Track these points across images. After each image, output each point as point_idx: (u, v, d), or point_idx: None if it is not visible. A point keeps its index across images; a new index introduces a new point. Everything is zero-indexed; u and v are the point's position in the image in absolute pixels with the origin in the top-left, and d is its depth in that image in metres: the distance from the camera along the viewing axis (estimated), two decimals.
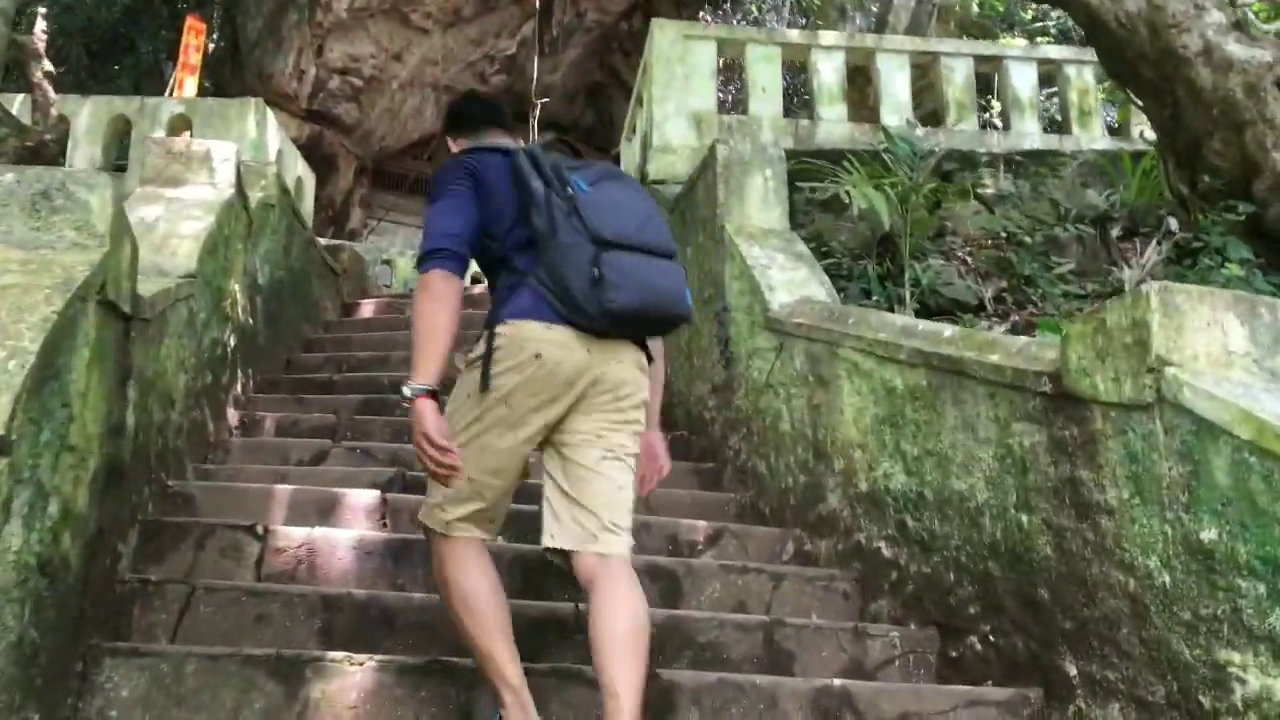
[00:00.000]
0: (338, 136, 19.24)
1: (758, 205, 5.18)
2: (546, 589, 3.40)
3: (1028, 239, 5.48)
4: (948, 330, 3.46)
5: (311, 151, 19.15)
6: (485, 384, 2.45)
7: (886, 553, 3.52)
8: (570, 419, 2.52)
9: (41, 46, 7.43)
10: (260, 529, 3.54)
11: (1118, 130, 7.86)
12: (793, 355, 4.27)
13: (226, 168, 5.09)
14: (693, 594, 3.61)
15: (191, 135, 7.46)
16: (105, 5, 17.46)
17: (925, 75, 7.47)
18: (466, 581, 2.48)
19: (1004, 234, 5.81)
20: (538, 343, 2.44)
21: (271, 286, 6.38)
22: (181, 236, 4.49)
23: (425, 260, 2.50)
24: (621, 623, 2.36)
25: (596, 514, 2.48)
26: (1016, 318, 4.84)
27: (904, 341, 3.51)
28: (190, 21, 15.03)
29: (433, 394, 2.38)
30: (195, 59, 15.00)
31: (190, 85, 14.72)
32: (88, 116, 7.43)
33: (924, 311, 5.05)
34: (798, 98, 15.24)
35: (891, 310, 4.89)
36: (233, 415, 5.15)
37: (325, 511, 3.94)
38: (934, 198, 5.58)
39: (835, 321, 4.05)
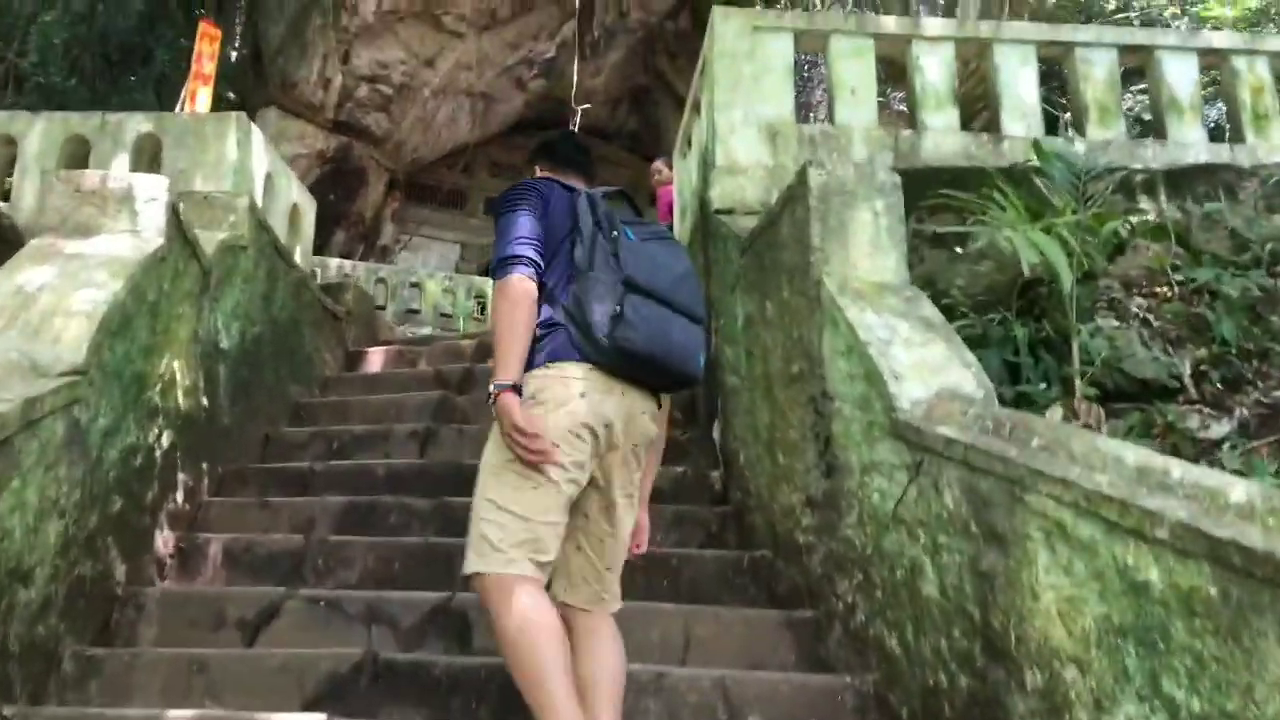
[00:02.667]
0: (367, 148, 18.11)
1: (866, 251, 3.82)
2: None
3: (1228, 289, 4.04)
4: (1238, 490, 2.07)
5: (340, 164, 18.05)
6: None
7: None
8: (603, 468, 2.59)
9: None
10: None
11: None
12: (939, 484, 2.91)
13: (153, 210, 3.81)
14: None
15: (163, 158, 6.23)
16: (120, 13, 16.45)
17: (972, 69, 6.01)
18: (540, 618, 2.38)
19: (1181, 279, 4.39)
20: (580, 383, 2.51)
21: (244, 349, 5.12)
22: (70, 313, 3.22)
23: (503, 265, 2.59)
24: (610, 669, 2.55)
25: (610, 574, 2.68)
26: (1241, 410, 3.44)
27: (1153, 504, 2.12)
28: (203, 27, 13.91)
29: (515, 389, 2.48)
30: (210, 68, 13.88)
31: (204, 97, 13.60)
32: (39, 138, 6.24)
33: (1099, 395, 3.66)
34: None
35: (1062, 392, 3.49)
36: (166, 541, 3.88)
37: None
38: (1114, 238, 4.16)
39: (1011, 443, 2.67)
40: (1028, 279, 4.35)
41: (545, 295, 2.61)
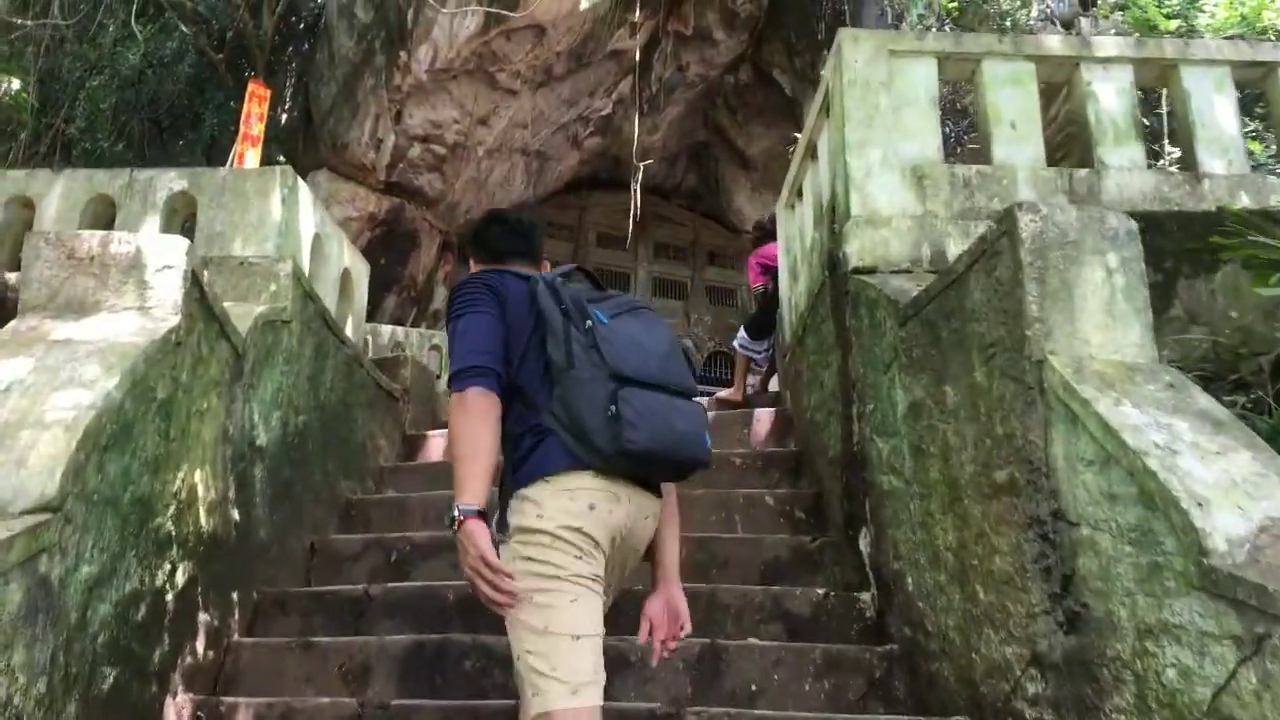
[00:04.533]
0: (419, 210, 17.48)
1: (1099, 321, 2.85)
2: None
3: None
4: None
5: (392, 227, 17.42)
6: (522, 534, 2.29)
7: None
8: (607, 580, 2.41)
9: None
10: None
11: None
12: None
13: (168, 280, 2.96)
14: None
15: (198, 219, 5.43)
16: (169, 77, 16.03)
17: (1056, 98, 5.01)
18: None
19: None
20: (586, 494, 2.30)
21: (286, 443, 4.25)
22: (44, 424, 2.34)
23: (459, 378, 2.38)
24: None
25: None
26: None
27: None
28: (252, 88, 13.36)
29: (481, 515, 2.26)
30: (258, 129, 13.32)
31: (252, 158, 13.01)
32: (58, 200, 5.50)
33: None
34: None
35: None
36: (181, 712, 2.96)
37: None
38: None
39: None
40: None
41: (524, 400, 2.42)
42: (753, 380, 7.32)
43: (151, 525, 2.79)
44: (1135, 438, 2.46)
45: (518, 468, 2.37)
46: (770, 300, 6.43)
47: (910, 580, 3.57)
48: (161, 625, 2.85)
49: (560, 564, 2.24)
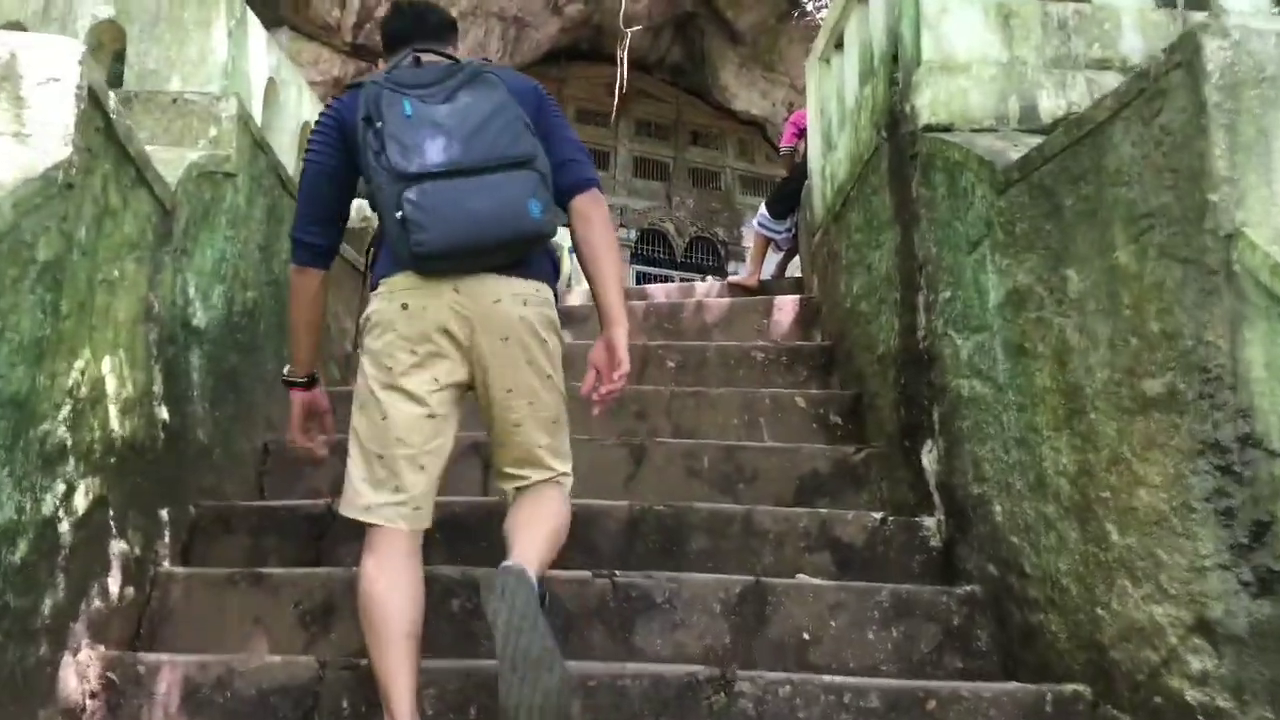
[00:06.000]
0: None
1: None
2: None
3: None
4: None
5: None
6: (360, 346, 2.34)
7: None
8: (477, 368, 2.31)
9: None
10: None
11: None
12: None
13: (54, 98, 2.17)
14: None
15: (127, 55, 4.54)
16: None
17: None
18: (372, 586, 2.16)
19: None
20: (403, 293, 2.27)
21: (230, 324, 3.50)
22: None
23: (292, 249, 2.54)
24: (525, 512, 2.34)
25: (533, 457, 2.39)
26: None
27: None
28: None
29: (302, 382, 2.58)
30: None
31: None
32: None
33: None
34: None
35: None
36: (85, 674, 2.27)
37: None
38: None
39: None
40: None
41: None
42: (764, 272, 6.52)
43: (32, 434, 2.05)
44: None
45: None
46: (801, 169, 5.65)
47: (999, 509, 2.92)
48: (53, 565, 2.14)
49: (372, 374, 2.28)
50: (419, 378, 2.25)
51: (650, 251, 19.65)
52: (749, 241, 20.00)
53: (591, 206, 2.45)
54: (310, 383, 2.58)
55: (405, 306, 2.26)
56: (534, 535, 2.25)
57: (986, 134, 3.40)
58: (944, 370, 3.29)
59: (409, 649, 2.12)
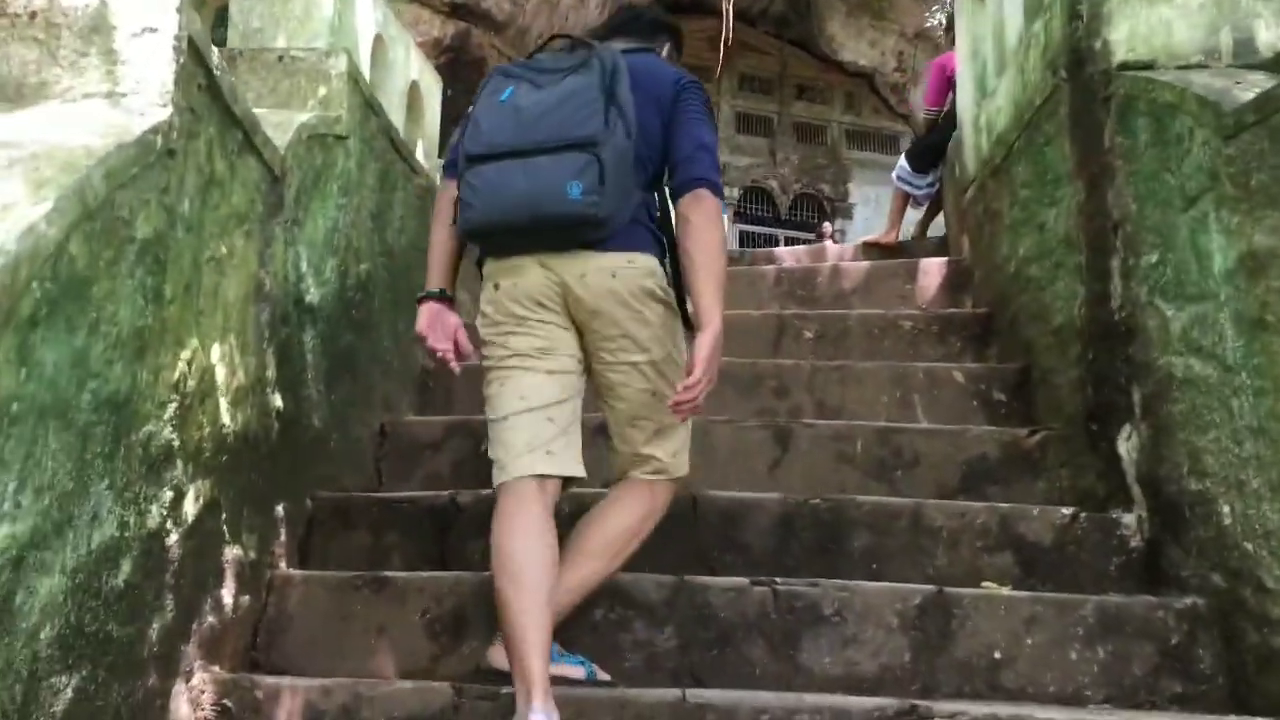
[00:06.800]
0: (487, 35, 15.99)
1: None
2: None
3: None
4: None
5: (458, 54, 16.00)
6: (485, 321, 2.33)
7: None
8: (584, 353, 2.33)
9: None
10: None
11: None
12: None
13: (149, 51, 1.90)
14: None
15: (229, 13, 4.31)
16: None
17: None
18: (503, 539, 2.13)
19: None
20: (494, 275, 2.32)
21: (345, 299, 3.25)
22: None
23: None
24: (581, 530, 2.32)
25: (627, 442, 2.37)
26: None
27: None
28: None
29: (432, 297, 2.42)
30: None
31: None
32: None
33: None
34: None
35: None
36: (196, 700, 2.03)
37: None
38: None
39: None
40: None
41: None
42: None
43: (134, 438, 1.79)
44: None
45: None
46: (949, 119, 5.17)
47: (1227, 510, 2.49)
48: (160, 584, 1.89)
49: (488, 354, 2.31)
50: (526, 342, 2.26)
51: (754, 210, 19.12)
52: (855, 198, 19.45)
53: (691, 208, 2.31)
54: (439, 296, 2.42)
55: (498, 287, 2.30)
56: (568, 574, 2.20)
57: (1198, 70, 2.93)
58: (1148, 346, 2.86)
59: (539, 601, 2.03)
